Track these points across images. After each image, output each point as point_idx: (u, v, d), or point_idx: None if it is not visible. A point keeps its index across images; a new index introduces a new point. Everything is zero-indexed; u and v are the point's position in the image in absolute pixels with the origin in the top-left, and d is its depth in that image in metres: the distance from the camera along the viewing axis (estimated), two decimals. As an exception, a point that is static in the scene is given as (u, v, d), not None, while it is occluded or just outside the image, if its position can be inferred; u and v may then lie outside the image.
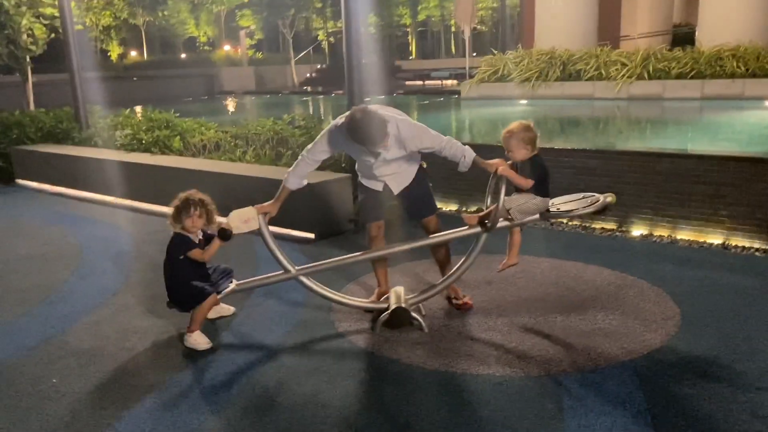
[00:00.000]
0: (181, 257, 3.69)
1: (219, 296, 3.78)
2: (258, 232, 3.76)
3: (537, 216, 3.64)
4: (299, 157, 3.82)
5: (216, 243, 3.71)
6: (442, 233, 3.89)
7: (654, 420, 2.74)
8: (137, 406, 3.04)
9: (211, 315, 3.96)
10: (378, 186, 3.89)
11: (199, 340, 3.67)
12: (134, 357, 3.57)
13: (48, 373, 3.41)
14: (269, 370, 3.36)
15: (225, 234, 3.64)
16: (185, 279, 3.70)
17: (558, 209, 3.65)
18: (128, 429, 2.86)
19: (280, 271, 3.81)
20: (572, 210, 3.63)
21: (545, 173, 3.63)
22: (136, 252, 5.63)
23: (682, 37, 19.49)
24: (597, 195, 3.67)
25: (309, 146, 3.80)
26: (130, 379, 3.32)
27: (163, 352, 3.63)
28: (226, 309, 4.12)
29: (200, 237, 3.78)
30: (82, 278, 4.95)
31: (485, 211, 3.72)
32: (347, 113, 3.61)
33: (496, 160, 3.62)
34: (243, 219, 3.70)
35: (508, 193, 3.57)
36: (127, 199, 7.61)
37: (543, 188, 3.62)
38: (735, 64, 12.39)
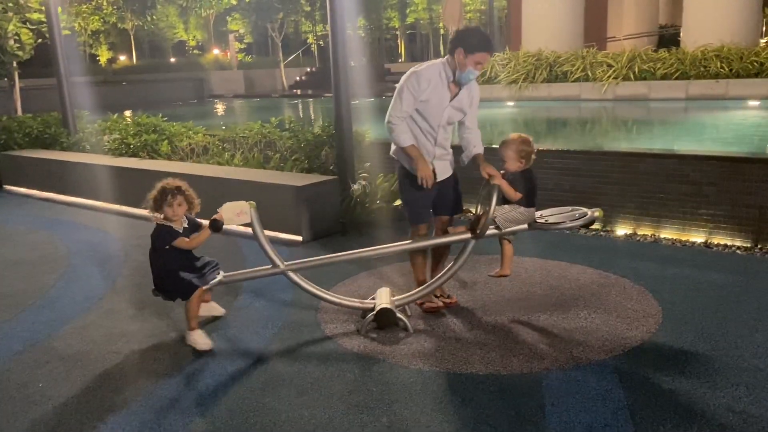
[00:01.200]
0: (167, 247, 3.67)
1: (206, 287, 3.76)
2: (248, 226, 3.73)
3: (525, 226, 3.72)
4: (391, 126, 3.72)
5: (205, 233, 3.69)
6: (433, 238, 4.00)
7: (633, 416, 2.79)
8: (123, 409, 3.06)
9: (202, 312, 3.92)
10: None
11: (198, 340, 3.67)
12: (121, 361, 3.59)
13: (34, 378, 3.42)
14: (255, 372, 3.39)
15: (216, 225, 3.63)
16: (173, 268, 3.68)
17: (546, 221, 3.73)
18: (114, 432, 2.88)
19: (269, 266, 3.83)
20: (560, 222, 3.71)
21: (533, 187, 3.73)
22: (124, 256, 5.64)
23: (668, 38, 19.67)
24: (585, 209, 3.76)
25: (391, 111, 3.71)
26: (116, 382, 3.34)
27: (149, 355, 3.65)
28: (216, 309, 4.11)
29: (185, 225, 3.76)
30: (69, 283, 4.96)
31: (474, 219, 3.81)
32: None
33: (493, 169, 3.65)
34: (235, 212, 3.69)
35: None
36: (115, 204, 7.61)
37: (530, 200, 3.72)
38: (719, 64, 12.51)
